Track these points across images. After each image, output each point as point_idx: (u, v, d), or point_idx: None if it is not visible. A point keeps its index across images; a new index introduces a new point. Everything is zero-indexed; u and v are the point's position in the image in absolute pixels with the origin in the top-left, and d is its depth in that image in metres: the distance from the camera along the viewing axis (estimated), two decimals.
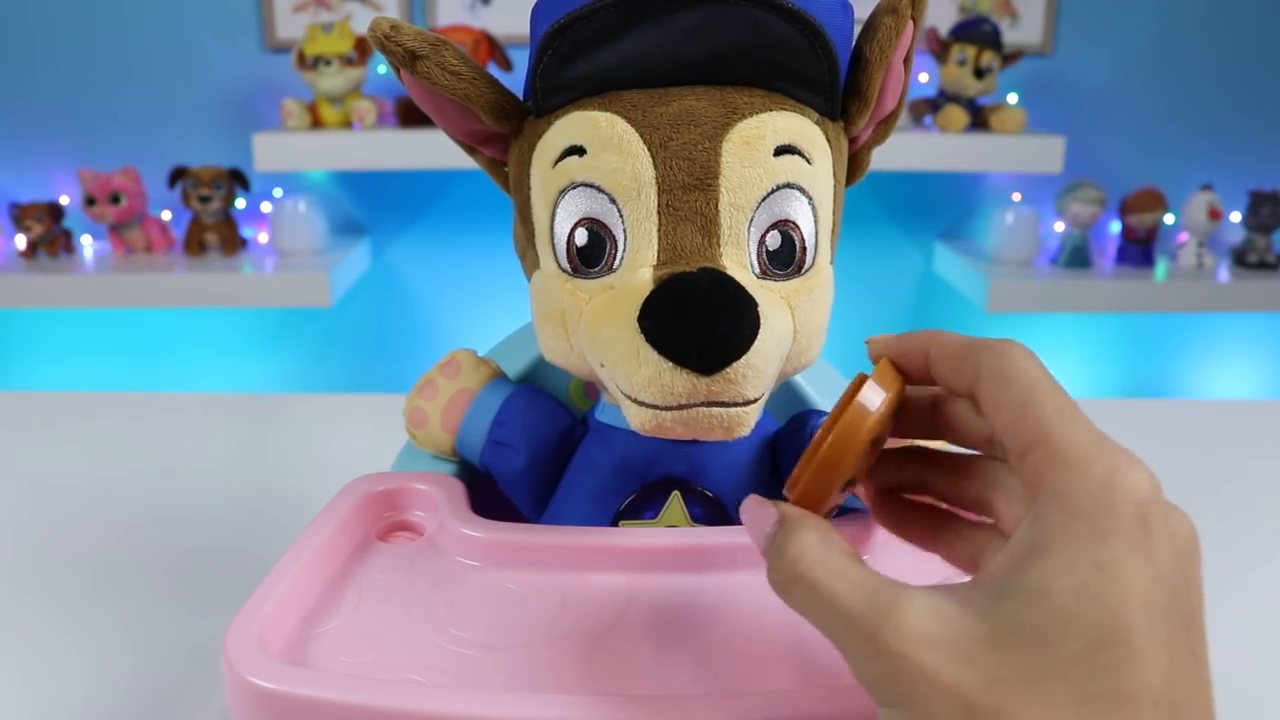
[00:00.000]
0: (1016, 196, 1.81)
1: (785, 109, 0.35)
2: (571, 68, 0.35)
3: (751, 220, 0.34)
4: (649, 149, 0.34)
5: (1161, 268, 1.72)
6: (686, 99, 0.34)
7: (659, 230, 0.34)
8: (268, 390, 1.91)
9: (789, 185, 0.35)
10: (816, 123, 0.36)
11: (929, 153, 1.58)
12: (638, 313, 0.32)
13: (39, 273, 1.60)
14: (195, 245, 1.69)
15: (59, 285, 1.59)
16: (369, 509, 0.40)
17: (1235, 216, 1.79)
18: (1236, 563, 0.57)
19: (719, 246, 0.34)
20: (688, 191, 0.34)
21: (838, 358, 0.47)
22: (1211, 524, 0.61)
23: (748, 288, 0.33)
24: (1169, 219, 1.76)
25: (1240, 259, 1.74)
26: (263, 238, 1.78)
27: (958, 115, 1.60)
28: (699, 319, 0.32)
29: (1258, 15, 1.76)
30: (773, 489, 0.38)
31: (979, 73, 1.59)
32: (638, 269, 0.34)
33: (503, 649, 0.32)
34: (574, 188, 0.35)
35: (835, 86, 0.36)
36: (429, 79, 0.35)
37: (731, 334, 0.32)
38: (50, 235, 1.68)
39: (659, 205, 0.34)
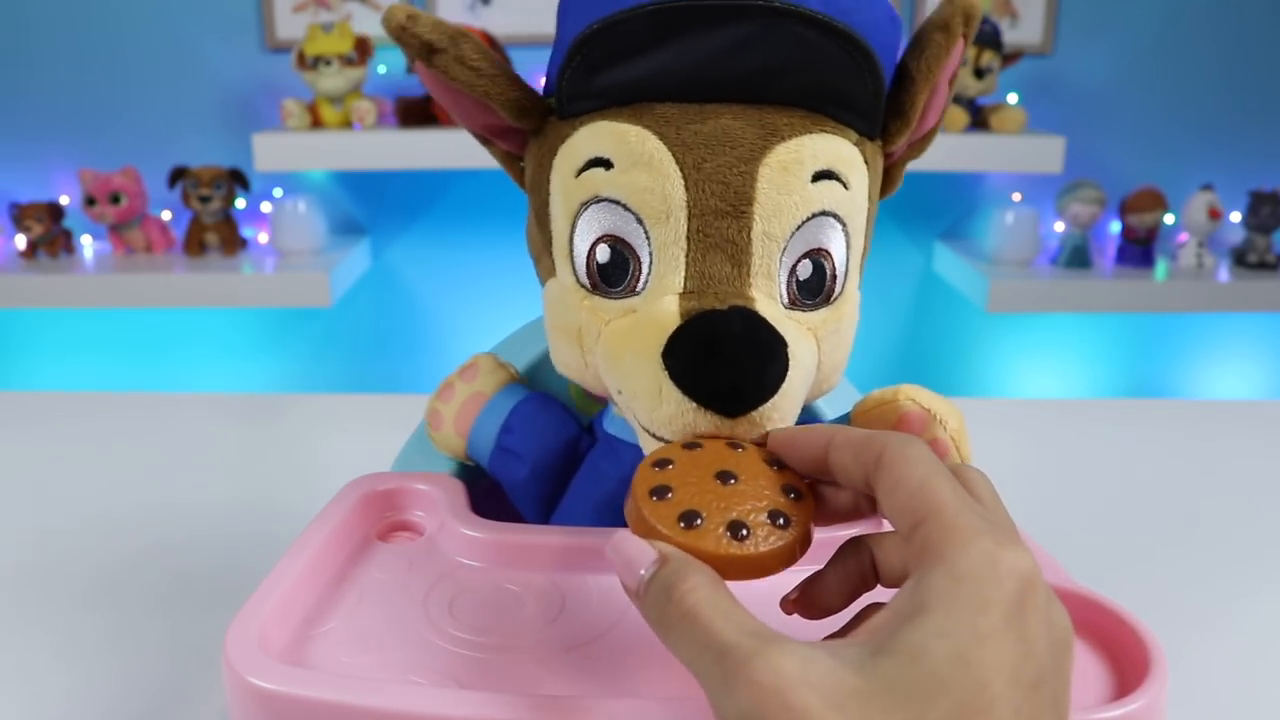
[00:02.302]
0: (1016, 196, 1.81)
1: (825, 131, 0.33)
2: (603, 74, 0.33)
3: (784, 250, 0.33)
4: (681, 170, 0.32)
5: (1161, 268, 1.72)
6: (723, 118, 0.32)
7: (687, 257, 0.33)
8: (268, 390, 1.91)
9: (825, 213, 0.33)
10: (855, 144, 0.34)
11: (929, 153, 1.56)
12: (663, 348, 0.31)
13: (39, 273, 1.60)
14: (195, 245, 1.69)
15: (59, 285, 1.59)
16: (369, 509, 0.40)
17: (1235, 216, 1.79)
18: (1236, 563, 0.57)
19: (749, 277, 0.33)
20: (720, 217, 0.32)
21: None
22: (1211, 524, 0.61)
23: (777, 323, 0.32)
24: (1169, 219, 1.76)
25: (1240, 259, 1.74)
26: (263, 238, 1.78)
27: (958, 115, 1.60)
28: (730, 365, 0.30)
29: (1258, 15, 1.76)
30: None
31: (979, 73, 1.59)
32: (663, 296, 0.33)
33: (502, 649, 0.32)
34: (598, 202, 0.33)
35: (879, 108, 0.34)
36: (446, 73, 0.34)
37: (760, 380, 0.31)
38: (50, 235, 1.68)
39: (689, 230, 0.32)
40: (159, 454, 0.71)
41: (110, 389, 1.88)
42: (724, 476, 0.29)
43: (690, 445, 0.30)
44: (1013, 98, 1.74)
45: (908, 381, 0.39)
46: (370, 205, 1.83)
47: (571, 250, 0.34)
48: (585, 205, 0.34)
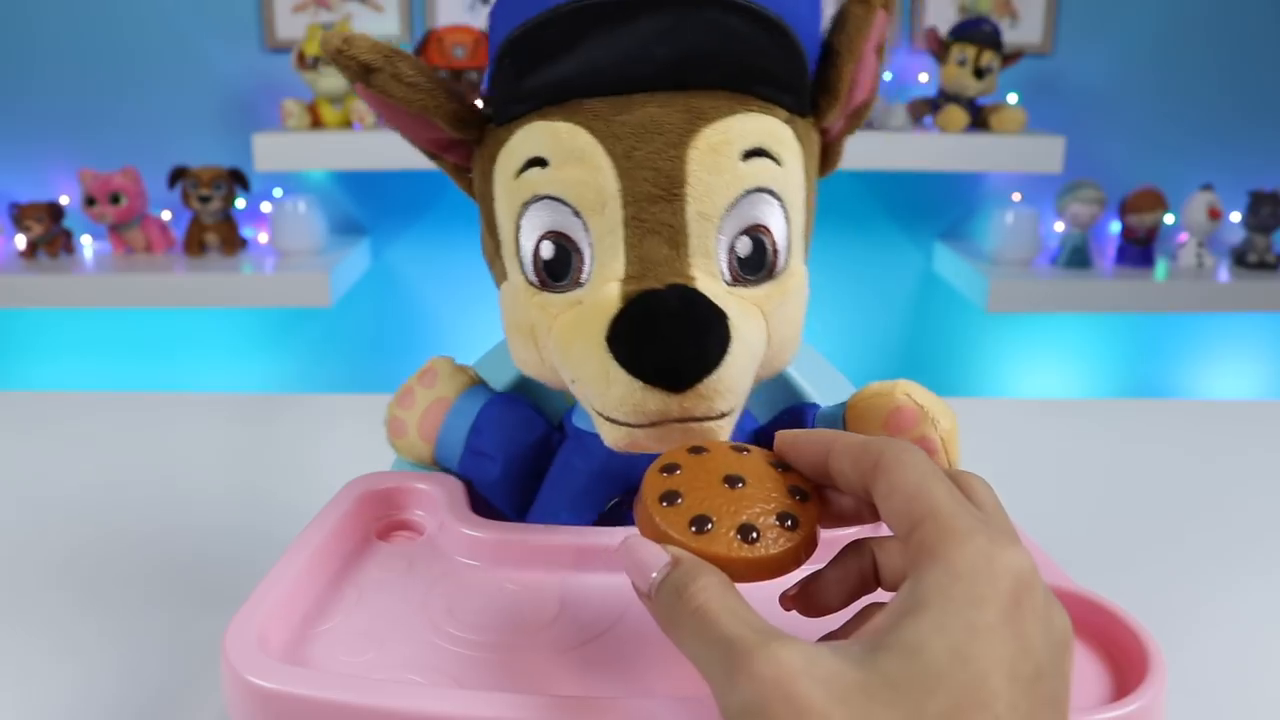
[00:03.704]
0: (1016, 196, 1.81)
1: (752, 110, 0.34)
2: (530, 77, 0.34)
3: (720, 228, 0.34)
4: (613, 160, 0.33)
5: (1161, 268, 1.72)
6: (649, 106, 0.33)
7: (625, 243, 0.33)
8: (268, 390, 1.91)
9: (758, 190, 0.34)
10: (785, 121, 0.35)
11: (929, 153, 1.58)
12: (606, 331, 0.32)
13: (39, 273, 1.60)
14: (195, 245, 1.69)
15: (59, 285, 1.59)
16: (368, 508, 0.40)
17: (1235, 216, 1.79)
18: (1236, 563, 0.57)
19: (687, 257, 0.33)
20: (653, 203, 0.33)
21: (837, 357, 0.48)
22: (1211, 524, 0.61)
23: (718, 298, 0.32)
24: (1169, 219, 1.76)
25: (1240, 259, 1.74)
26: (263, 238, 1.78)
27: (958, 115, 1.60)
28: (668, 340, 0.31)
29: (1258, 15, 1.76)
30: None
31: (979, 73, 1.59)
32: (605, 283, 0.33)
33: (502, 648, 0.32)
34: (537, 201, 0.34)
35: (804, 84, 0.35)
36: (385, 91, 0.35)
37: (701, 353, 0.31)
38: (50, 235, 1.68)
39: (625, 218, 0.33)
40: (159, 454, 0.71)
41: (110, 389, 1.88)
42: (731, 480, 0.29)
43: (696, 450, 0.31)
44: (1013, 98, 1.74)
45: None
46: (370, 205, 1.83)
47: (519, 250, 0.35)
48: (526, 205, 0.35)
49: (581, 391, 0.34)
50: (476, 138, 0.37)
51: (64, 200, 1.74)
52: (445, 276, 1.85)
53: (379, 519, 0.40)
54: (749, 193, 0.34)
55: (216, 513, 0.62)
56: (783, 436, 0.30)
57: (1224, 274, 1.70)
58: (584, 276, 0.34)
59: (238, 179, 1.68)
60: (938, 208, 1.85)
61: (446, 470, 0.43)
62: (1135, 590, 0.52)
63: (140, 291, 1.60)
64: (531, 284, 0.35)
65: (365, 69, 0.34)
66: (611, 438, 0.33)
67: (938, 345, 1.91)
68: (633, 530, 0.37)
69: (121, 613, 0.50)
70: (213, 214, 1.67)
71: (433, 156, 0.40)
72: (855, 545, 0.29)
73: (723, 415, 0.33)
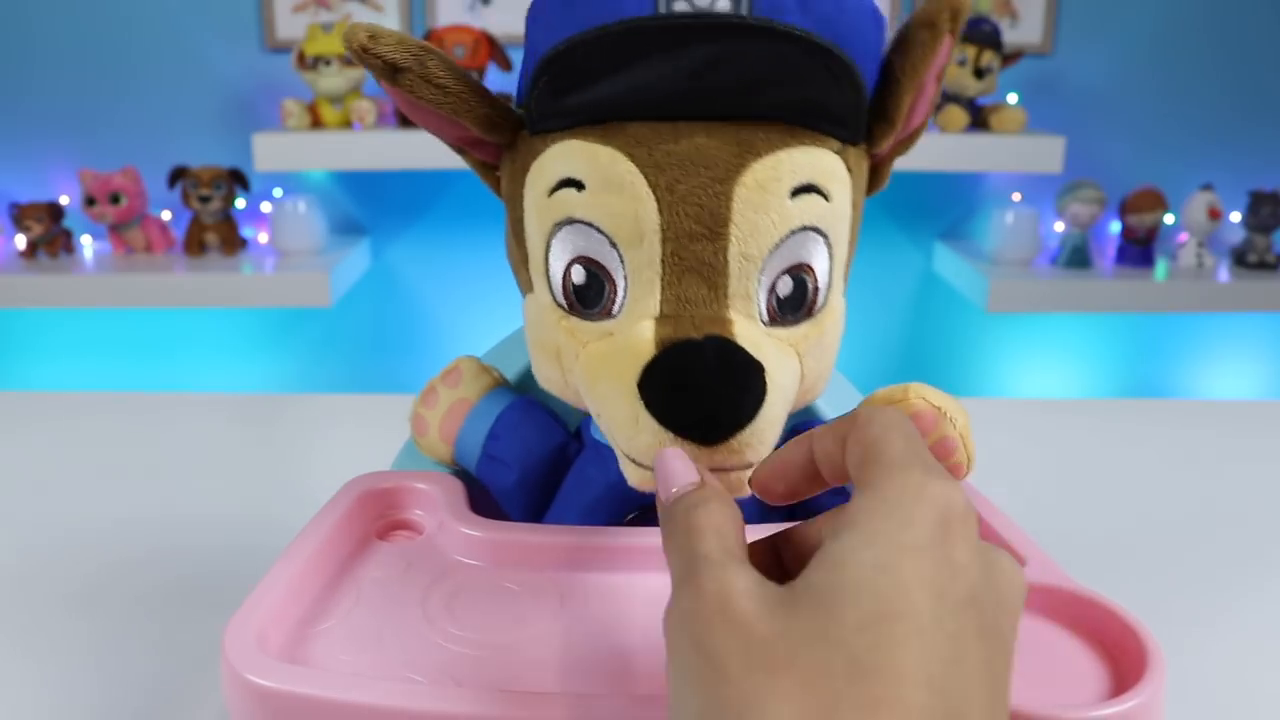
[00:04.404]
0: (1016, 196, 1.81)
1: (804, 144, 0.32)
2: (572, 95, 0.32)
3: (763, 269, 0.32)
4: (654, 193, 0.31)
5: (1161, 268, 1.72)
6: (697, 136, 0.31)
7: (663, 280, 0.32)
8: (268, 390, 1.91)
9: (805, 229, 0.33)
10: (837, 152, 0.33)
11: (929, 153, 1.58)
12: (638, 377, 0.31)
13: (39, 273, 1.60)
14: (195, 245, 1.69)
15: (59, 285, 1.59)
16: (368, 508, 0.40)
17: (1235, 216, 1.79)
18: (1236, 563, 0.57)
19: (726, 299, 0.32)
20: (695, 240, 0.32)
21: (838, 358, 0.47)
22: (1211, 524, 0.61)
23: (755, 346, 0.31)
24: (1169, 219, 1.76)
25: (1240, 259, 1.74)
26: (263, 238, 1.78)
27: (958, 115, 1.60)
28: (703, 396, 0.30)
29: (1258, 15, 1.76)
30: (774, 510, 0.38)
31: (979, 73, 1.59)
32: (639, 320, 0.32)
33: (501, 648, 0.32)
34: (571, 224, 0.33)
35: (861, 116, 0.33)
36: (413, 92, 0.33)
37: (736, 409, 0.30)
38: (50, 235, 1.68)
39: (664, 254, 0.32)
40: (158, 454, 0.71)
41: (110, 389, 1.88)
42: None
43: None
44: (1013, 98, 1.74)
45: (908, 381, 0.39)
46: (370, 205, 1.83)
47: (548, 270, 0.34)
48: (559, 226, 0.33)
49: (607, 428, 0.33)
50: (508, 141, 0.36)
51: (64, 200, 1.74)
52: (445, 276, 1.85)
53: (378, 519, 0.40)
54: (795, 232, 0.32)
55: (216, 512, 0.62)
56: (760, 470, 0.28)
57: (1224, 274, 1.70)
58: (616, 308, 0.33)
59: (238, 179, 1.68)
60: (938, 208, 1.85)
61: (466, 471, 0.43)
62: (1135, 590, 0.52)
63: (140, 291, 1.60)
64: (559, 306, 0.34)
65: (392, 68, 0.32)
66: (635, 479, 0.33)
67: (938, 345, 1.91)
68: (642, 529, 0.37)
69: (121, 612, 0.50)
70: (213, 214, 1.67)
71: (459, 151, 0.38)
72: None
73: (751, 465, 0.31)
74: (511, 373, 0.45)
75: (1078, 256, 1.69)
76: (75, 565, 0.55)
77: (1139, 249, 1.71)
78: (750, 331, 0.32)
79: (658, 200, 0.31)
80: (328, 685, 0.29)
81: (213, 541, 0.58)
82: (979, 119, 1.64)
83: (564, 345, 0.34)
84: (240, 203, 1.75)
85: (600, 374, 0.32)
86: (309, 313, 1.85)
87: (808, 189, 0.32)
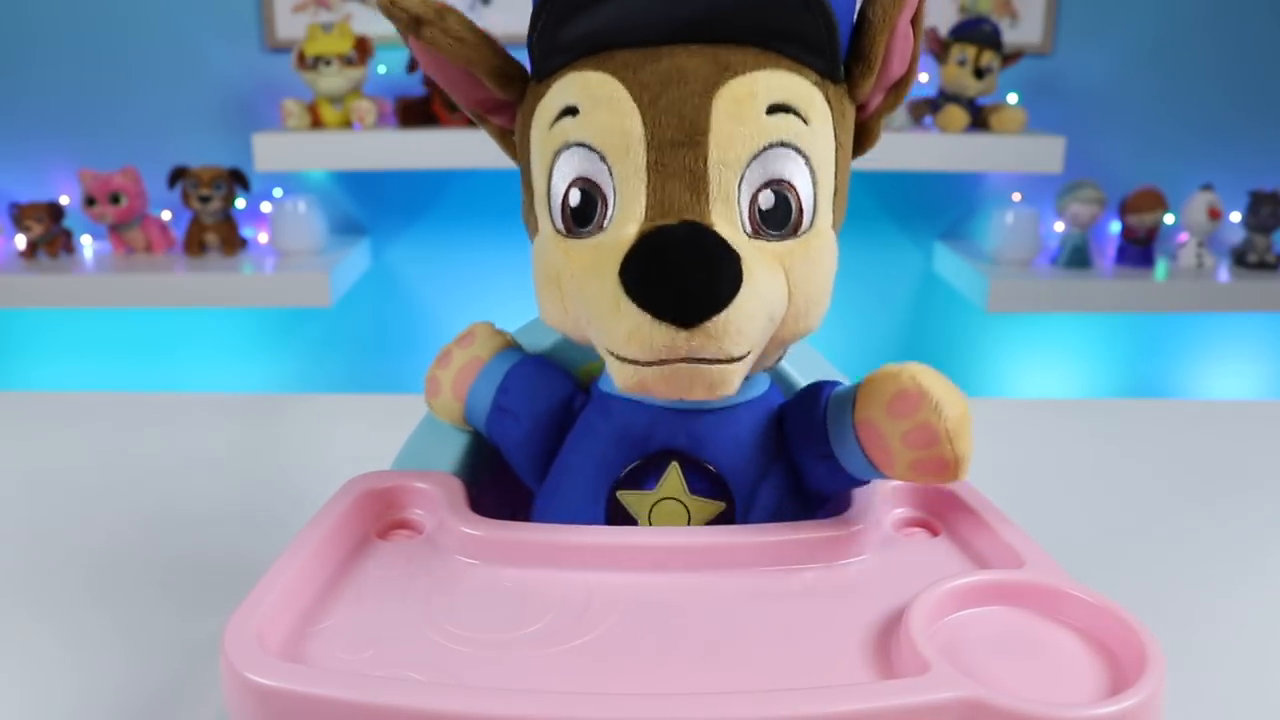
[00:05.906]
0: (1016, 196, 1.81)
1: (781, 68, 0.35)
2: (568, 28, 0.35)
3: (742, 178, 0.34)
4: (638, 106, 0.34)
5: (1161, 268, 1.72)
6: (678, 57, 0.34)
7: (647, 187, 0.34)
8: (268, 390, 1.91)
9: (782, 144, 0.34)
10: (815, 84, 0.35)
11: (929, 153, 1.58)
12: (619, 267, 0.32)
13: (39, 273, 1.60)
14: (195, 245, 1.69)
15: (59, 285, 1.59)
16: (368, 507, 0.40)
17: (1235, 216, 1.79)
18: (1237, 563, 0.57)
19: (708, 203, 0.34)
20: (676, 148, 0.34)
21: (837, 357, 0.47)
22: (1211, 524, 0.61)
23: (735, 244, 0.32)
24: (1169, 219, 1.76)
25: (1240, 259, 1.74)
26: (263, 238, 1.78)
27: (958, 115, 1.60)
28: (675, 269, 0.31)
29: (1258, 15, 1.76)
30: (777, 465, 0.38)
31: (979, 73, 1.59)
32: (625, 226, 0.34)
33: (501, 647, 0.32)
34: (568, 148, 0.35)
35: (834, 46, 0.35)
36: (434, 44, 0.36)
37: (710, 286, 0.31)
38: (50, 235, 1.68)
39: (647, 162, 0.34)
40: (158, 454, 0.71)
41: (110, 389, 1.88)
42: None
43: None
44: (1013, 98, 1.74)
45: None
46: (370, 205, 1.83)
47: (549, 198, 0.36)
48: (558, 153, 0.35)
49: (595, 333, 0.34)
50: (518, 96, 0.38)
51: (64, 200, 1.74)
52: (445, 276, 1.85)
53: (378, 518, 0.40)
54: (772, 145, 0.34)
55: (216, 513, 0.62)
56: None
57: (1224, 274, 1.70)
58: (607, 221, 0.35)
59: (238, 179, 1.68)
60: (938, 208, 1.85)
61: (477, 431, 0.43)
62: (1135, 590, 0.52)
63: (140, 291, 1.60)
64: (559, 232, 0.36)
65: (416, 21, 0.35)
66: (621, 378, 0.34)
67: (938, 345, 1.91)
68: (643, 529, 0.37)
69: (120, 611, 0.50)
70: (213, 214, 1.67)
71: (481, 120, 0.41)
72: None
73: (733, 360, 0.33)
74: (545, 344, 0.44)
75: (1078, 256, 1.69)
76: (73, 565, 0.55)
77: (1139, 249, 1.71)
78: (731, 233, 0.33)
79: (641, 112, 0.34)
80: (328, 684, 0.29)
81: (212, 541, 0.58)
82: (979, 119, 1.65)
83: (562, 268, 0.36)
84: (240, 203, 1.75)
85: (587, 276, 0.34)
86: (309, 313, 1.85)
87: (784, 108, 0.34)
